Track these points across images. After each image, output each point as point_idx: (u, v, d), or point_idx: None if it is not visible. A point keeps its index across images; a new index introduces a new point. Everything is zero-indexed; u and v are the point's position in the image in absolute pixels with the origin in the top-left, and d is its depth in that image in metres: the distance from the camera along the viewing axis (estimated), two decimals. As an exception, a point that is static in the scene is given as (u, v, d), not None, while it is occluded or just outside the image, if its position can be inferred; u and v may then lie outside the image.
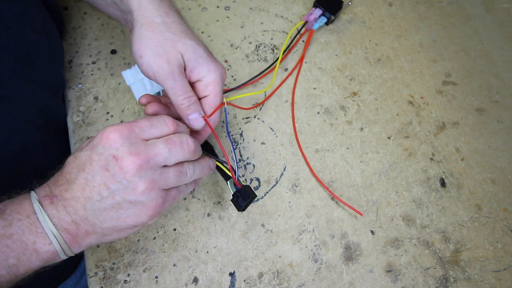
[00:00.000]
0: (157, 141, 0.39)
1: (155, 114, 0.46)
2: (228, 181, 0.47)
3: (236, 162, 0.46)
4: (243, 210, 0.47)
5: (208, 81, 0.45)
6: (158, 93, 0.56)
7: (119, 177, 0.37)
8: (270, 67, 0.62)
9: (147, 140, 0.39)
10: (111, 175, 0.37)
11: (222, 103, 0.45)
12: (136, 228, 0.40)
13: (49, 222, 0.37)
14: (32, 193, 0.39)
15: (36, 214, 0.37)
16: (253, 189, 0.47)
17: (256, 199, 0.54)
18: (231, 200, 0.46)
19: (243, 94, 0.61)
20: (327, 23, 0.66)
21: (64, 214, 0.37)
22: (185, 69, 0.45)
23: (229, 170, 0.47)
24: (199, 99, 0.46)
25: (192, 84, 0.46)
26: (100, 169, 0.37)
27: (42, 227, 0.37)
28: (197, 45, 0.44)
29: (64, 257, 0.39)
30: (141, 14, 0.44)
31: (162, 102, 0.48)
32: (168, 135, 0.40)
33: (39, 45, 0.50)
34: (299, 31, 0.65)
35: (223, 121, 0.59)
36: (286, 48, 0.64)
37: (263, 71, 0.62)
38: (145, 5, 0.44)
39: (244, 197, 0.46)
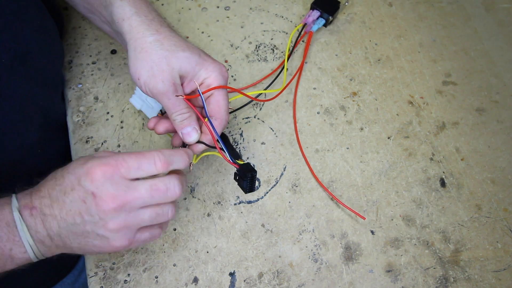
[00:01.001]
0: (141, 184, 0.39)
1: (167, 131, 0.48)
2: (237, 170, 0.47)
3: (223, 144, 0.45)
4: (250, 190, 0.46)
5: (209, 82, 0.46)
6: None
7: (93, 212, 0.38)
8: (281, 71, 0.62)
9: (132, 180, 0.39)
10: (86, 208, 0.38)
11: (198, 94, 0.45)
12: (102, 253, 0.42)
13: (27, 233, 0.38)
14: (13, 199, 0.40)
15: (15, 223, 0.38)
16: (252, 165, 0.46)
17: (256, 199, 0.54)
18: (238, 185, 0.46)
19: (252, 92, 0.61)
20: (325, 25, 0.66)
21: (41, 228, 0.39)
22: (184, 80, 0.46)
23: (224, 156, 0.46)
24: (206, 99, 0.47)
25: (196, 90, 0.47)
26: (79, 199, 0.38)
27: (19, 236, 0.38)
28: (191, 55, 0.45)
29: (35, 261, 0.41)
30: (133, 37, 0.45)
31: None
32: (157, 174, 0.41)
33: (38, 44, 0.50)
34: (300, 33, 0.65)
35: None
36: (290, 53, 0.63)
37: (276, 78, 0.62)
38: (135, 27, 0.45)
39: (242, 177, 0.45)
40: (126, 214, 0.39)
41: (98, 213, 0.38)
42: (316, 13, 0.65)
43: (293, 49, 0.64)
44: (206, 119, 0.46)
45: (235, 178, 0.46)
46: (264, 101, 0.60)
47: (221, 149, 0.45)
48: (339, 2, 0.66)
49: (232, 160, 0.45)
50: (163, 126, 0.48)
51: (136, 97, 0.56)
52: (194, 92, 0.48)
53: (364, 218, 0.53)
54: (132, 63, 0.45)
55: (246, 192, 0.46)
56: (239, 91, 0.48)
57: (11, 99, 0.47)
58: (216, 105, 0.47)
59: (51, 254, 0.41)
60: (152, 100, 0.56)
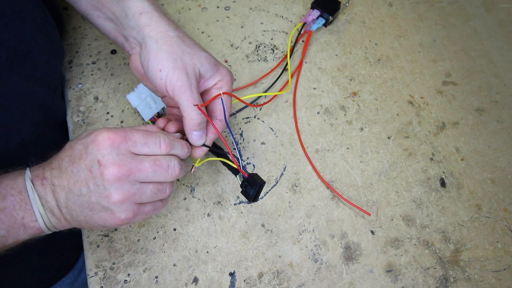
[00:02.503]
0: (145, 158, 0.40)
1: (178, 131, 0.47)
2: (237, 175, 0.48)
3: (239, 151, 0.47)
4: (254, 200, 0.47)
5: (222, 84, 0.47)
6: (162, 109, 0.57)
7: (98, 181, 0.39)
8: (283, 69, 0.62)
9: (136, 154, 0.40)
10: (92, 177, 0.39)
11: (219, 94, 0.46)
12: (107, 228, 0.43)
13: (38, 202, 0.40)
14: (27, 170, 0.41)
15: (27, 191, 0.40)
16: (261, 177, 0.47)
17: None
18: (241, 192, 0.47)
19: (254, 94, 0.61)
20: (325, 25, 0.66)
21: (51, 198, 0.40)
22: (200, 80, 0.46)
23: (233, 163, 0.47)
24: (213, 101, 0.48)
25: (207, 91, 0.48)
26: (85, 168, 0.39)
27: (31, 204, 0.40)
28: (209, 56, 0.46)
29: (48, 233, 0.42)
30: (154, 29, 0.44)
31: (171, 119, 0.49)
32: (159, 155, 0.42)
33: (37, 43, 0.50)
34: (299, 32, 0.65)
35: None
36: (291, 52, 0.63)
37: (278, 79, 0.62)
38: (156, 21, 0.45)
39: (251, 185, 0.46)
40: (129, 186, 0.39)
41: (103, 182, 0.39)
42: (316, 13, 0.65)
43: (292, 48, 0.64)
44: (223, 127, 0.47)
45: (241, 186, 0.46)
46: (262, 104, 0.60)
47: (234, 156, 0.46)
48: (339, 2, 0.66)
49: (243, 168, 0.46)
50: (174, 126, 0.47)
51: (135, 95, 0.55)
52: (205, 93, 0.48)
53: (369, 214, 0.53)
54: (154, 55, 0.44)
55: (249, 201, 0.47)
56: (243, 101, 0.49)
57: (11, 98, 0.47)
58: (221, 108, 0.48)
59: (61, 227, 0.42)
60: (152, 100, 0.56)
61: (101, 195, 0.39)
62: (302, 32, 0.65)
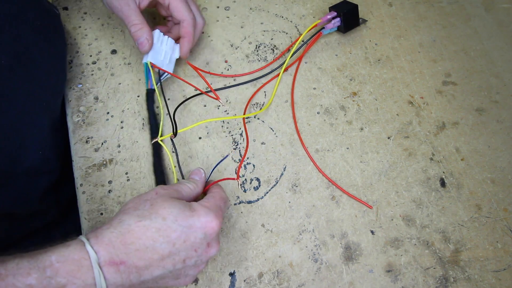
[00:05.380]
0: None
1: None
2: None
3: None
4: None
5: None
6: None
7: (198, 258, 0.41)
8: (279, 67, 0.62)
9: None
10: (196, 255, 0.41)
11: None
12: None
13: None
14: (91, 252, 0.36)
15: (94, 280, 0.35)
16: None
17: (256, 199, 0.54)
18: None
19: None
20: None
21: (127, 281, 0.37)
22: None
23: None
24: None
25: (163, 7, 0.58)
26: (191, 248, 0.40)
27: None
28: None
29: None
30: None
31: None
32: None
33: (38, 45, 0.50)
34: (310, 34, 0.65)
35: (223, 121, 0.59)
36: (298, 48, 0.63)
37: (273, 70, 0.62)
38: None
39: None
40: None
41: (201, 258, 0.42)
42: (337, 22, 0.64)
43: (302, 46, 0.63)
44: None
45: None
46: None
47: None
48: (359, 22, 0.65)
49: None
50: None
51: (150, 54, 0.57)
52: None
53: (370, 207, 0.53)
54: None
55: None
56: (194, 86, 0.56)
57: (10, 99, 0.47)
58: (176, 12, 0.55)
59: None
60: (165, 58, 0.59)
61: (194, 266, 0.41)
62: (316, 34, 0.64)
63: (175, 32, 0.60)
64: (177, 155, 0.54)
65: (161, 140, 0.53)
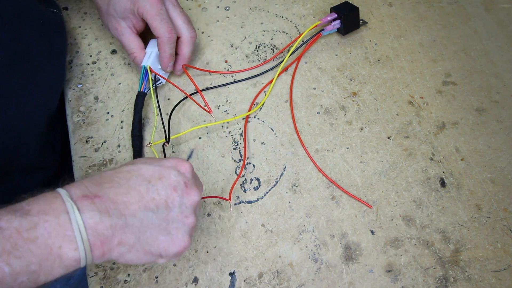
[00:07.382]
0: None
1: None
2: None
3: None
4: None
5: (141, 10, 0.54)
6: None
7: (181, 201, 0.39)
8: (276, 66, 0.62)
9: None
10: (177, 195, 0.39)
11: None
12: (152, 260, 0.40)
13: (81, 224, 0.34)
14: (62, 191, 0.35)
15: (68, 213, 0.34)
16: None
17: (256, 199, 0.54)
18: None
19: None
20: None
21: (106, 217, 0.35)
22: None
23: None
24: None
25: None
26: (169, 187, 0.39)
27: (72, 229, 0.33)
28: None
29: (83, 265, 0.36)
30: None
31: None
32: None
33: (37, 43, 0.50)
34: (310, 35, 0.65)
35: (226, 122, 0.59)
36: (297, 48, 0.63)
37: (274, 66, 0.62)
38: None
39: None
40: (196, 214, 0.42)
41: (185, 203, 0.40)
42: (337, 24, 0.64)
43: (301, 46, 0.63)
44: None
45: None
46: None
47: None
48: (359, 24, 0.65)
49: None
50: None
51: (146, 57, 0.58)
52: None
53: (370, 207, 0.53)
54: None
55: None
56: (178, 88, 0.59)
57: (9, 97, 0.47)
58: (152, 29, 0.55)
59: (101, 256, 0.36)
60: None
61: (179, 215, 0.39)
62: (316, 34, 0.64)
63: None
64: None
65: (153, 146, 0.54)
